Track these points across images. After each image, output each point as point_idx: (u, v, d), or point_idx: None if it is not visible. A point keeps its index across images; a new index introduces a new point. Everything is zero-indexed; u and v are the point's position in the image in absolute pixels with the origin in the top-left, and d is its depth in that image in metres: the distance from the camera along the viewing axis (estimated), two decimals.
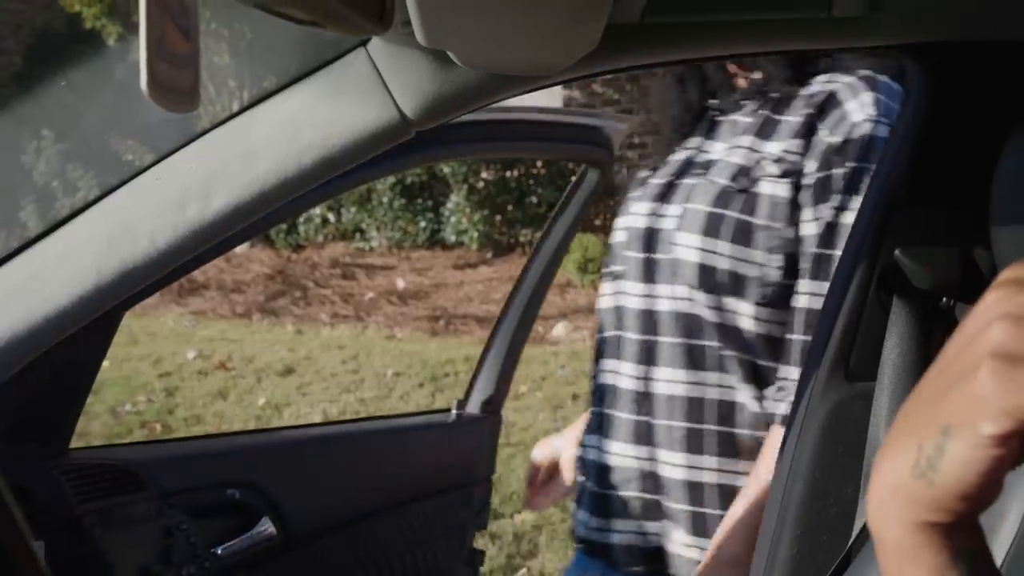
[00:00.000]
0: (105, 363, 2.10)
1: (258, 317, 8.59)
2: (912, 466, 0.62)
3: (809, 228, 1.66)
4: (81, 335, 1.38)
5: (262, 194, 1.38)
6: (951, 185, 1.53)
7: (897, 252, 1.50)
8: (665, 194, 1.83)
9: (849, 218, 1.58)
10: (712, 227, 1.71)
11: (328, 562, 2.50)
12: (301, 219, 10.75)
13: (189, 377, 7.01)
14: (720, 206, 1.72)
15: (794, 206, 1.68)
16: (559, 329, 8.10)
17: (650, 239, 1.78)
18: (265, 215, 1.42)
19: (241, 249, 10.37)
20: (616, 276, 1.86)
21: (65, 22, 10.20)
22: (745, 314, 1.68)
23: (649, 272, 1.77)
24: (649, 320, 1.76)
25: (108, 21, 9.85)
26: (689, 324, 1.72)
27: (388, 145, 1.44)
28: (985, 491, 0.60)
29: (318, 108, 1.38)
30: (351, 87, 1.38)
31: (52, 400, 2.03)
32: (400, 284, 9.52)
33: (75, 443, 2.08)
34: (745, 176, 1.73)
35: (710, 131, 1.87)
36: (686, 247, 1.71)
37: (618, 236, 1.88)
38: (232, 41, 10.56)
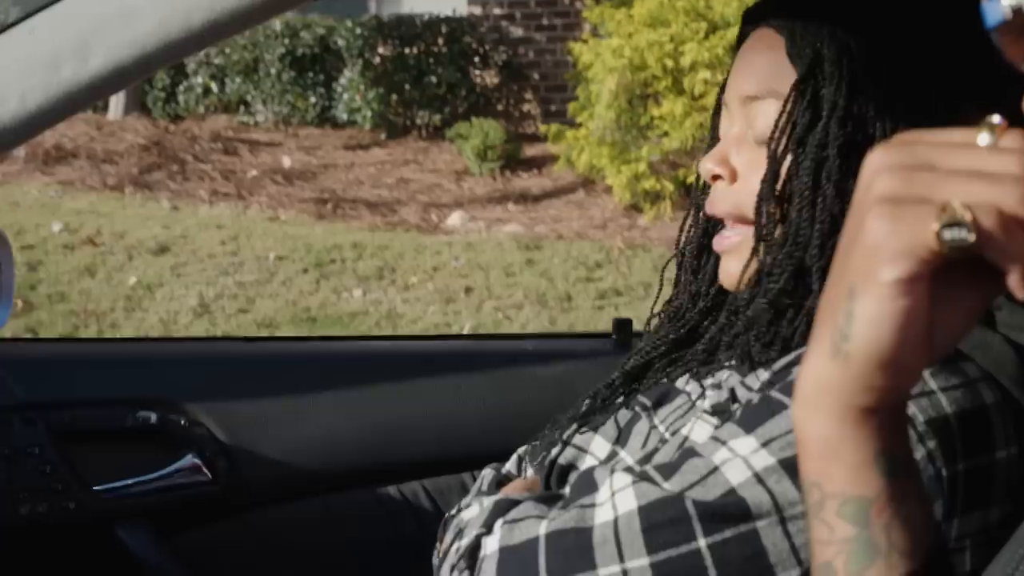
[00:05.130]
0: None
1: (131, 191, 8.43)
2: (829, 349, 0.64)
3: None
4: None
5: (144, 56, 1.35)
6: None
7: None
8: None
9: None
10: None
11: (289, 538, 1.83)
12: (181, 88, 10.52)
13: (54, 251, 6.87)
14: None
15: None
16: (454, 219, 8.09)
17: None
18: None
19: (114, 116, 10.13)
20: None
21: None
22: None
23: None
24: None
25: None
26: None
27: (286, 10, 1.41)
28: (901, 353, 0.61)
29: None
30: None
31: None
32: (286, 162, 9.40)
33: None
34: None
35: None
36: None
37: None
38: None
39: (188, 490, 1.81)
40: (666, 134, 7.81)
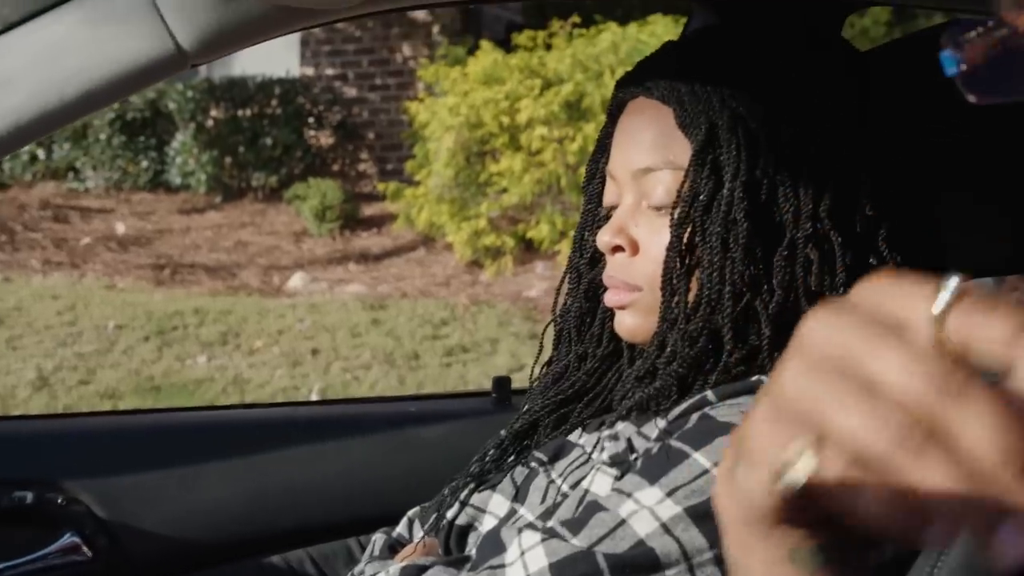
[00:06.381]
0: None
1: None
2: (724, 473, 0.57)
3: None
4: None
5: (18, 128, 1.32)
6: None
7: None
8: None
9: None
10: None
11: None
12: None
13: None
14: None
15: None
16: (296, 280, 8.02)
17: None
18: None
19: None
20: None
21: None
22: None
23: None
24: None
25: None
26: None
27: (162, 78, 1.40)
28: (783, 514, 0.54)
29: (83, 35, 1.33)
30: (121, 14, 1.33)
31: None
32: (120, 229, 9.20)
33: None
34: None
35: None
36: None
37: None
38: None
39: (68, 570, 1.75)
40: (505, 190, 7.88)
